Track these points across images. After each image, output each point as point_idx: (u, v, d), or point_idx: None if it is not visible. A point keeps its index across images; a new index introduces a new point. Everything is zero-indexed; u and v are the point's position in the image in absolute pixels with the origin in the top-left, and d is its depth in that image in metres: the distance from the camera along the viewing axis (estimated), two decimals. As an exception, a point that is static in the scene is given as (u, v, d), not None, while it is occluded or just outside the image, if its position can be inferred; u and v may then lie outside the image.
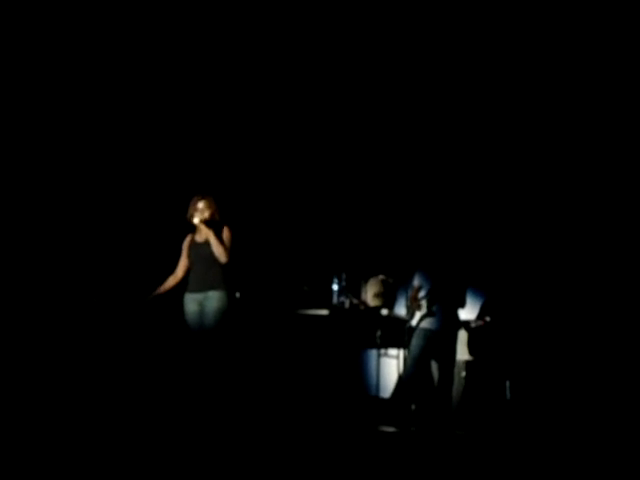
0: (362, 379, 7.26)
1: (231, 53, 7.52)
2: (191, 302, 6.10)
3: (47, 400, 6.28)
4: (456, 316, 6.77)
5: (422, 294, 6.73)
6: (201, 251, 6.11)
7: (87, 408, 6.18)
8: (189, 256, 6.21)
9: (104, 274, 7.34)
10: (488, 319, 7.20)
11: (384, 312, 7.31)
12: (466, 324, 7.13)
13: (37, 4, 6.81)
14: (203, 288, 6.05)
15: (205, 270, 6.07)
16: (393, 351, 7.30)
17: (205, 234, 6.09)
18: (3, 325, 6.70)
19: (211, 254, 6.03)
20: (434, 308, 6.64)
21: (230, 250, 6.06)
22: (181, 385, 5.99)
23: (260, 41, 7.43)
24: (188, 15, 7.18)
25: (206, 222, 6.09)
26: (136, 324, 6.84)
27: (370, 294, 7.51)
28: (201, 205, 6.14)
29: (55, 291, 7.09)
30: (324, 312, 7.09)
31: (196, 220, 6.08)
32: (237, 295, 7.11)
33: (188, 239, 6.29)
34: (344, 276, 7.37)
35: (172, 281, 6.26)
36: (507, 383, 6.99)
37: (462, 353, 7.06)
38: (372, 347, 7.27)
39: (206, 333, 5.92)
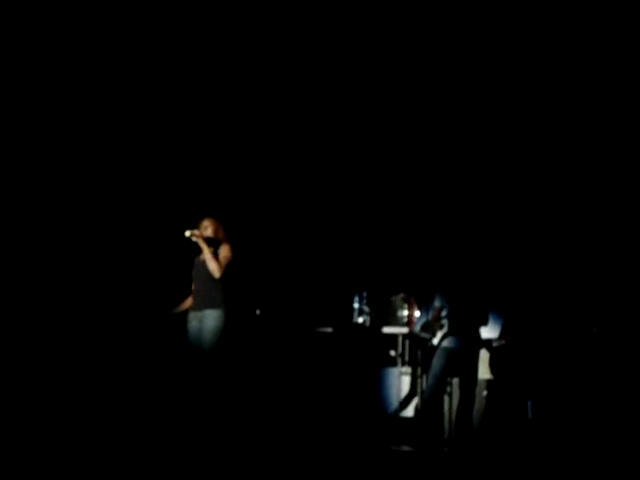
0: (381, 397, 7.23)
1: (244, 65, 7.51)
2: (191, 320, 6.12)
3: (49, 404, 6.36)
4: (477, 335, 6.73)
5: (444, 314, 6.72)
6: (201, 269, 6.13)
7: (83, 415, 6.25)
8: (192, 274, 6.25)
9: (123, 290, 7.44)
10: (510, 338, 7.15)
11: (405, 330, 7.30)
12: (488, 343, 7.09)
13: (38, 4, 6.79)
14: (202, 306, 6.07)
15: (203, 288, 6.10)
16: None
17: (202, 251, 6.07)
18: (14, 335, 6.80)
19: (208, 272, 6.03)
20: (455, 327, 6.62)
21: (227, 268, 6.03)
22: (176, 399, 6.01)
23: (269, 62, 7.45)
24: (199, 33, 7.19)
25: (209, 241, 6.09)
26: (147, 338, 6.90)
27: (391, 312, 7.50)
28: (204, 223, 6.19)
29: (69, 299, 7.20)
30: (344, 330, 7.10)
31: (187, 233, 6.03)
32: (257, 312, 7.18)
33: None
34: (365, 294, 7.39)
35: (189, 301, 6.28)
36: (529, 402, 6.92)
37: (484, 372, 7.00)
38: (392, 365, 7.26)
39: (202, 350, 5.93)
